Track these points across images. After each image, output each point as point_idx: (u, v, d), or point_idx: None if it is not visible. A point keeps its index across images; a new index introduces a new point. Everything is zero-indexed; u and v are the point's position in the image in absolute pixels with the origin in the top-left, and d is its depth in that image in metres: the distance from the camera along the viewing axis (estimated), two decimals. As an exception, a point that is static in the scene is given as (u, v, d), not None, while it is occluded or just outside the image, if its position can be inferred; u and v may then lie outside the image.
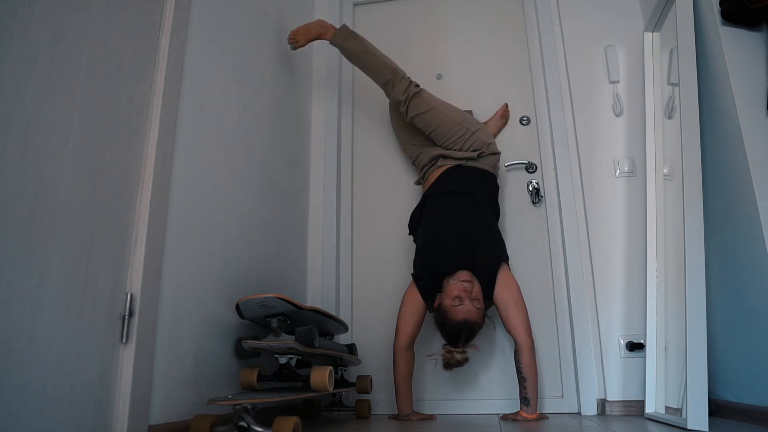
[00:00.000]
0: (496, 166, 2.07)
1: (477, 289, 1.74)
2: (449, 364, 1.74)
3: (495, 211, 2.01)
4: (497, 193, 2.06)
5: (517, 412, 1.74)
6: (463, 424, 1.68)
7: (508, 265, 1.85)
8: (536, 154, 2.32)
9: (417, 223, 2.03)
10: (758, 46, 1.64)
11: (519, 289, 1.79)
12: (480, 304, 1.74)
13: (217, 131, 1.60)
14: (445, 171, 2.02)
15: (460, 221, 1.88)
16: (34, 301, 0.91)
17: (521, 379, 1.73)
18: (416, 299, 1.84)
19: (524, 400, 1.72)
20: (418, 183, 2.24)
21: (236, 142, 1.71)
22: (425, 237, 1.94)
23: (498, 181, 2.10)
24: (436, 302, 1.80)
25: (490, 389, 2.07)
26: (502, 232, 1.97)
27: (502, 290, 1.77)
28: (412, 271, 1.91)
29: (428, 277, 1.84)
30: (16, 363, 0.87)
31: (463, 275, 1.75)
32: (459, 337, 1.72)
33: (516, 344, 1.74)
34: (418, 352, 1.93)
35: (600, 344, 1.98)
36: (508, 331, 1.77)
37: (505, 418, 1.77)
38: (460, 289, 1.72)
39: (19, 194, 0.90)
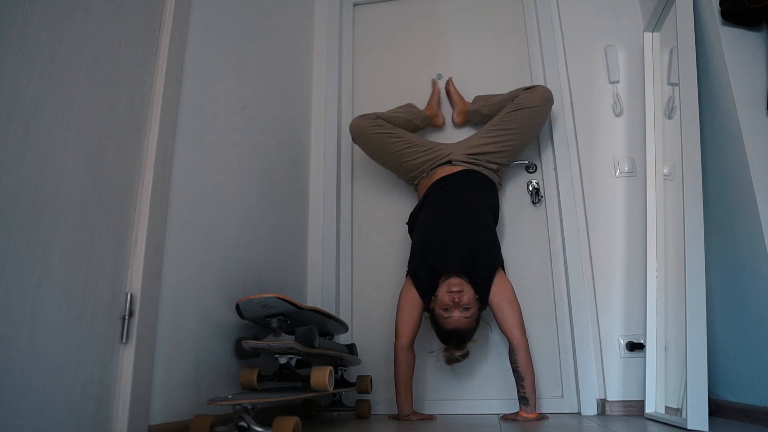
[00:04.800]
0: (500, 181, 2.10)
1: (467, 298, 1.74)
2: (450, 360, 1.81)
3: (495, 219, 2.02)
4: (498, 207, 2.06)
5: (517, 412, 1.75)
6: (463, 424, 1.68)
7: (503, 269, 1.88)
8: (536, 154, 2.32)
9: (417, 216, 2.01)
10: (758, 46, 1.64)
11: (513, 290, 1.81)
12: (471, 311, 1.75)
13: (217, 131, 1.60)
14: (456, 172, 2.00)
15: (462, 220, 1.87)
16: (34, 301, 0.91)
17: (518, 379, 1.73)
18: (413, 297, 1.84)
19: (523, 400, 1.73)
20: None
21: (236, 142, 1.71)
22: (425, 233, 1.92)
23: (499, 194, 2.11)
24: (431, 304, 1.81)
25: (490, 389, 2.07)
26: (501, 232, 1.97)
27: (497, 292, 1.79)
28: (408, 269, 1.91)
29: (428, 275, 1.84)
30: (16, 363, 0.87)
31: (454, 283, 1.74)
32: (449, 343, 1.79)
33: (511, 344, 1.75)
34: (419, 351, 1.93)
35: (600, 344, 1.98)
36: (503, 332, 1.78)
37: (505, 418, 1.78)
38: (449, 299, 1.73)
39: (19, 194, 0.90)
